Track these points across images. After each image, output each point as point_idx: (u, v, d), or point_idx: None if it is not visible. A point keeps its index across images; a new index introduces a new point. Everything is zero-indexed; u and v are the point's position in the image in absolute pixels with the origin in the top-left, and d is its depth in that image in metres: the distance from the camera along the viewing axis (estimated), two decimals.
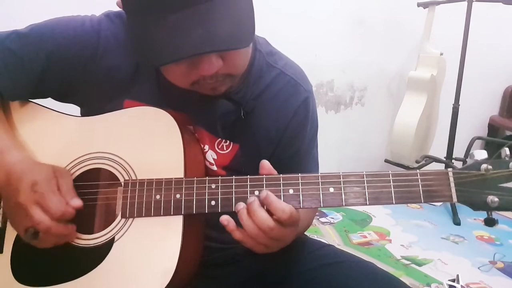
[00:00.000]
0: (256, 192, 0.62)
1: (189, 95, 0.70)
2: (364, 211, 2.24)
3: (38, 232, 0.62)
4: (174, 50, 0.58)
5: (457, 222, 2.15)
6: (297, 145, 0.81)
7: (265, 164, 0.64)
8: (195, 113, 0.75)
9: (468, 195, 0.59)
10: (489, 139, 2.67)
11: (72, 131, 0.73)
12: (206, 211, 0.64)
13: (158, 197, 0.65)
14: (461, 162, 2.32)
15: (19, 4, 1.65)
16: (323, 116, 2.50)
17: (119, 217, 0.67)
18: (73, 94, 0.76)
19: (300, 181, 0.63)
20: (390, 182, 0.61)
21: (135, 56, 0.71)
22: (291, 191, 0.62)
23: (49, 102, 0.77)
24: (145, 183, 0.67)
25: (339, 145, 2.56)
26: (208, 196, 0.64)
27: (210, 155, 0.76)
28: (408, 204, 2.33)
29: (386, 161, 2.60)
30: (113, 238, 0.66)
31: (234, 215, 0.62)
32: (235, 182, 0.64)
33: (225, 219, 0.60)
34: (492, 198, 0.58)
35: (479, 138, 2.37)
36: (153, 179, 0.66)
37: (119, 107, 0.73)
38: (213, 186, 0.64)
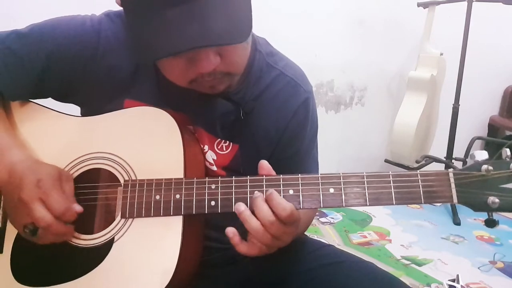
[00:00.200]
0: (256, 193, 0.62)
1: (189, 95, 0.70)
2: (364, 211, 2.24)
3: (37, 229, 0.62)
4: (170, 45, 0.58)
5: (457, 222, 2.15)
6: (297, 145, 0.81)
7: (264, 164, 0.64)
8: (195, 113, 0.75)
9: (468, 196, 0.59)
10: (489, 139, 2.67)
11: (72, 131, 0.73)
12: (206, 212, 0.64)
13: (157, 197, 0.65)
14: (461, 162, 2.33)
15: (19, 4, 1.65)
16: (323, 116, 2.49)
17: (118, 217, 0.67)
18: (73, 94, 0.76)
19: (300, 181, 0.63)
20: (390, 183, 0.61)
21: (134, 54, 0.71)
22: (291, 192, 0.62)
23: (49, 102, 0.77)
24: (145, 183, 0.67)
25: (339, 145, 2.56)
26: (208, 196, 0.64)
27: (210, 156, 0.76)
28: (408, 204, 2.33)
29: (386, 161, 2.60)
30: (113, 238, 0.66)
31: (234, 215, 0.62)
32: (235, 183, 0.64)
33: (230, 231, 0.61)
34: (493, 199, 0.58)
35: (479, 138, 2.37)
36: (152, 179, 0.66)
37: (119, 107, 0.73)
38: (213, 186, 0.64)
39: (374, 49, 2.51)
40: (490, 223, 0.60)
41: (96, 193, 0.70)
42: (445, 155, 2.34)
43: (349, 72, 2.51)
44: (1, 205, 0.71)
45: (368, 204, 0.61)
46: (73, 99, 0.78)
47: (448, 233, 2.05)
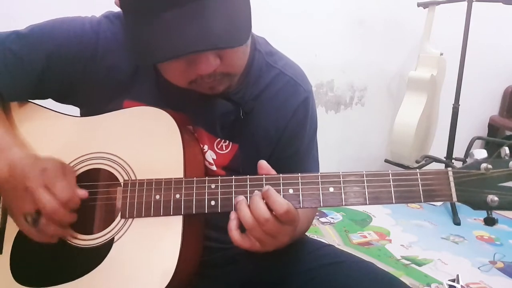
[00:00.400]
0: (256, 192, 0.62)
1: (188, 96, 0.70)
2: (364, 211, 2.24)
3: (39, 217, 0.62)
4: (169, 49, 0.58)
5: (457, 222, 2.15)
6: (297, 145, 0.81)
7: (263, 164, 0.64)
8: (194, 113, 0.75)
9: (468, 195, 0.59)
10: (489, 139, 2.67)
11: (72, 131, 0.73)
12: (206, 211, 0.64)
13: (157, 197, 0.65)
14: (461, 162, 2.32)
15: (19, 4, 1.65)
16: (323, 116, 2.50)
17: (118, 218, 0.67)
18: (73, 95, 0.76)
19: (300, 180, 0.62)
20: (390, 182, 0.61)
21: (133, 57, 0.71)
22: (291, 191, 0.62)
23: (48, 102, 0.77)
24: (145, 183, 0.66)
25: (339, 145, 2.56)
26: (208, 196, 0.64)
27: (210, 155, 0.76)
28: (408, 204, 2.33)
29: (386, 161, 2.60)
30: (113, 239, 0.66)
31: None
32: (235, 182, 0.64)
33: (232, 214, 0.61)
34: (492, 197, 0.58)
35: (479, 138, 2.37)
36: (152, 179, 0.66)
37: (119, 107, 0.73)
38: (213, 186, 0.64)
39: (374, 49, 2.51)
40: (490, 221, 0.60)
41: (96, 193, 0.70)
42: (445, 155, 2.35)
43: (349, 72, 2.51)
44: (0, 205, 0.71)
45: (368, 203, 0.61)
46: (72, 100, 0.78)
47: (448, 233, 2.05)
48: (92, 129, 0.73)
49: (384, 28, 2.50)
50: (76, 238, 0.67)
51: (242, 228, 0.61)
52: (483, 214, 0.60)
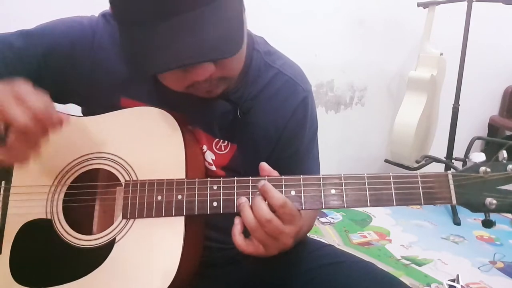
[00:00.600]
0: (258, 193, 0.62)
1: (186, 96, 0.70)
2: (364, 211, 2.25)
3: (6, 134, 0.55)
4: (161, 61, 0.57)
5: (457, 222, 2.15)
6: (297, 145, 0.80)
7: (265, 166, 0.64)
8: (192, 113, 0.75)
9: (467, 197, 0.60)
10: (489, 139, 2.67)
11: (72, 131, 0.73)
12: (208, 212, 0.64)
13: (159, 198, 0.65)
14: (461, 162, 2.33)
15: (19, 4, 1.65)
16: (323, 116, 2.50)
17: (120, 218, 0.67)
18: (70, 93, 0.76)
19: (302, 182, 0.63)
20: (391, 184, 0.61)
21: (127, 67, 0.70)
22: (293, 193, 0.62)
23: None
24: (146, 183, 0.67)
25: (339, 145, 2.56)
26: (210, 197, 0.64)
27: (209, 156, 0.76)
28: (408, 205, 2.33)
29: (386, 161, 2.60)
30: (114, 239, 0.66)
31: (235, 216, 0.62)
32: (237, 183, 0.64)
33: (237, 218, 0.61)
34: (491, 200, 0.59)
35: (479, 138, 2.37)
36: (154, 179, 0.66)
37: (116, 104, 0.74)
38: (215, 187, 0.64)
39: (374, 49, 2.51)
40: (487, 223, 0.61)
41: (97, 194, 0.70)
42: (445, 155, 2.35)
43: (349, 72, 2.51)
44: (0, 205, 0.71)
45: (369, 205, 0.61)
46: (72, 99, 0.78)
47: (448, 233, 2.05)
48: (93, 129, 0.73)
49: (384, 28, 2.50)
50: (76, 238, 0.67)
51: (246, 233, 0.61)
52: (482, 214, 0.60)
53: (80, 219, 0.67)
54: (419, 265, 1.73)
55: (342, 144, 2.57)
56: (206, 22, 0.57)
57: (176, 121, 0.70)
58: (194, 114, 0.75)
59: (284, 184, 0.63)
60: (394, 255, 1.80)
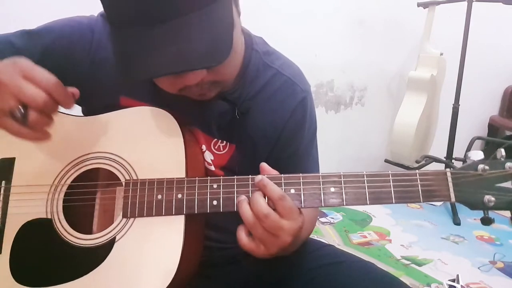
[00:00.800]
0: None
1: (184, 96, 0.70)
2: (364, 211, 2.25)
3: (27, 112, 0.57)
4: (149, 68, 0.57)
5: (457, 222, 2.15)
6: (296, 145, 0.80)
7: (265, 166, 0.64)
8: (191, 113, 0.75)
9: (465, 195, 0.60)
10: (489, 139, 2.67)
11: (72, 130, 0.74)
12: (208, 211, 0.64)
13: (159, 197, 0.65)
14: (461, 162, 2.32)
15: (19, 4, 1.66)
16: (323, 116, 2.50)
17: (120, 217, 0.67)
18: None
19: (301, 180, 0.63)
20: (390, 182, 0.61)
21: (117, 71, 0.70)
22: (292, 191, 0.62)
23: None
24: (146, 182, 0.67)
25: (339, 145, 2.56)
26: (210, 196, 0.64)
27: (208, 156, 0.76)
28: (408, 204, 2.33)
29: (386, 161, 2.60)
30: (114, 238, 0.66)
31: (234, 215, 0.62)
32: (236, 182, 0.64)
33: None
34: (489, 198, 0.59)
35: (479, 138, 2.37)
36: (154, 179, 0.67)
37: (115, 103, 0.74)
38: (215, 186, 0.64)
39: (374, 49, 2.51)
40: (486, 221, 0.61)
41: (97, 193, 0.70)
42: (445, 155, 2.35)
43: (349, 72, 2.51)
44: (0, 204, 0.71)
45: (368, 203, 0.61)
46: None
47: (448, 233, 2.05)
48: (93, 129, 0.73)
49: (384, 28, 2.50)
50: (76, 237, 0.67)
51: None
52: (481, 213, 0.60)
53: (80, 218, 0.67)
54: (419, 265, 1.73)
55: (342, 144, 2.58)
56: (194, 29, 0.56)
57: (176, 121, 0.70)
58: (193, 114, 0.75)
59: (284, 182, 0.63)
60: (394, 255, 1.80)
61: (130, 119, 0.72)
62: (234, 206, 0.62)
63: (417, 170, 0.62)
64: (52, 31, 0.73)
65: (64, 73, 0.73)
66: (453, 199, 0.60)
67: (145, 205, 0.66)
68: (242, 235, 0.61)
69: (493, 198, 0.59)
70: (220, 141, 0.77)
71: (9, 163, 0.71)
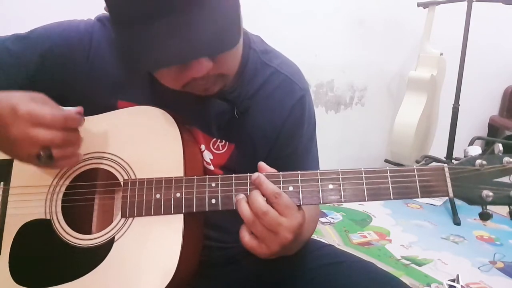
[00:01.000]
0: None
1: (183, 96, 0.70)
2: (364, 211, 2.24)
3: (51, 152, 0.59)
4: (157, 58, 0.57)
5: (457, 222, 2.15)
6: (295, 144, 0.80)
7: (263, 165, 0.64)
8: (189, 113, 0.75)
9: (463, 190, 0.60)
10: (489, 139, 2.67)
11: None
12: (207, 209, 0.64)
13: (158, 196, 0.65)
14: None
15: (19, 4, 1.66)
16: (323, 116, 2.50)
17: (118, 217, 0.67)
18: (67, 96, 0.75)
19: (299, 178, 0.63)
20: (388, 178, 0.61)
21: (121, 63, 0.70)
22: (290, 188, 0.62)
23: None
24: (145, 182, 0.67)
25: (339, 145, 2.56)
26: (208, 194, 0.64)
27: (207, 155, 0.76)
28: (408, 204, 2.33)
29: (386, 161, 2.60)
30: (113, 238, 0.66)
31: (233, 215, 0.62)
32: (235, 180, 0.64)
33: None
34: (487, 193, 0.59)
35: (479, 138, 2.37)
36: (152, 178, 0.66)
37: (113, 107, 0.73)
38: (213, 184, 0.64)
39: (374, 49, 2.51)
40: (484, 216, 0.61)
41: (96, 193, 0.70)
42: (445, 155, 2.35)
43: (349, 72, 2.52)
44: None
45: (366, 199, 0.61)
46: (68, 103, 0.77)
47: (448, 233, 2.05)
48: (91, 129, 0.73)
49: (384, 28, 2.50)
50: (76, 237, 0.67)
51: None
52: (480, 209, 0.60)
53: (79, 218, 0.67)
54: (419, 265, 1.73)
55: (342, 144, 2.58)
56: (202, 18, 0.56)
57: (174, 120, 0.70)
58: (192, 114, 0.75)
59: (282, 180, 0.62)
60: (394, 255, 1.80)
61: (128, 119, 0.71)
62: (233, 205, 0.62)
63: (415, 166, 0.62)
64: (50, 36, 0.72)
65: (63, 78, 0.73)
66: (451, 194, 0.60)
67: (144, 205, 0.66)
68: (244, 234, 0.61)
69: (491, 193, 0.59)
70: (219, 140, 0.77)
71: (7, 164, 0.71)
